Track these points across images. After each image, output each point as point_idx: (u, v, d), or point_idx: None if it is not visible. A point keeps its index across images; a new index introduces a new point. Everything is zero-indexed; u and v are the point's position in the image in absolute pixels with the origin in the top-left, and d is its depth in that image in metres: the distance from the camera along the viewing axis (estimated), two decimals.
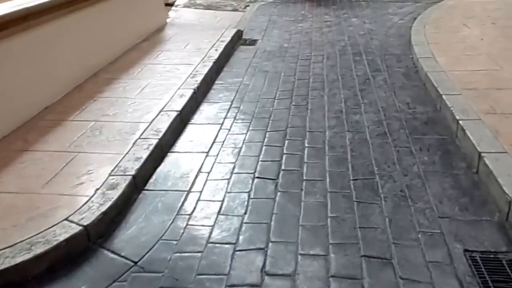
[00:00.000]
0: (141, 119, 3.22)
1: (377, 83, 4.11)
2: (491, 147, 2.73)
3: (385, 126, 3.31)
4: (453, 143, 3.06)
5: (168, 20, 6.48)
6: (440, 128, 3.27)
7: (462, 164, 2.82)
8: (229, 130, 3.34)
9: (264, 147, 3.07)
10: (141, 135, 2.96)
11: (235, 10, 7.52)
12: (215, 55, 4.77)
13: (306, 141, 3.14)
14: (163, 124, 3.13)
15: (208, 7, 7.68)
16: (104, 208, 2.18)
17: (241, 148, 3.07)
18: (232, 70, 4.67)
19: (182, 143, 3.15)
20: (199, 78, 4.07)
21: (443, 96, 3.49)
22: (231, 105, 3.80)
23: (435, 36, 4.99)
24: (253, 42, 5.70)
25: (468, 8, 6.29)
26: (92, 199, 2.26)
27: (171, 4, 7.70)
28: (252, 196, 2.53)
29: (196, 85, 3.89)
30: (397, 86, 4.03)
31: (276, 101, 3.86)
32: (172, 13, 7.08)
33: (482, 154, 2.66)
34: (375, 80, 4.17)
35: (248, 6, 7.77)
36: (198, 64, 4.48)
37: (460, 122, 3.07)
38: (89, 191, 2.35)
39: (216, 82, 4.35)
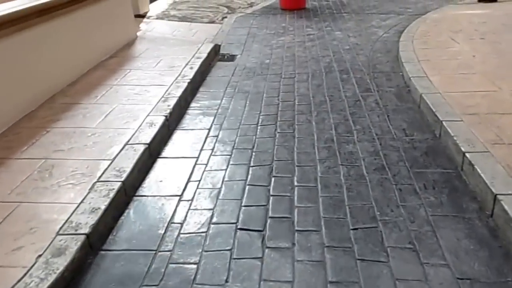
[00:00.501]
0: (101, 155, 2.74)
1: (369, 105, 3.75)
2: (507, 187, 2.39)
3: (382, 158, 2.94)
4: (460, 178, 2.71)
5: (139, 34, 6.01)
6: (442, 159, 2.92)
7: (473, 205, 2.47)
8: (206, 165, 2.91)
9: (247, 187, 2.65)
10: (100, 177, 2.49)
11: (212, 22, 7.10)
12: (190, 73, 4.34)
13: (296, 178, 2.73)
14: (128, 161, 2.66)
15: (182, 19, 7.24)
16: (45, 286, 1.70)
17: (220, 189, 2.64)
18: (209, 91, 4.24)
19: (150, 184, 2.69)
20: (172, 102, 3.62)
21: (444, 123, 3.15)
22: (208, 133, 3.36)
23: (425, 52, 4.70)
24: (231, 58, 5.30)
25: (454, 21, 6.06)
26: (31, 271, 1.78)
27: (143, 16, 7.23)
28: (234, 255, 2.10)
29: (168, 111, 3.45)
30: (390, 109, 3.68)
31: (259, 127, 3.45)
32: (143, 26, 6.61)
33: (499, 197, 2.31)
34: (366, 102, 3.81)
35: (225, 17, 7.37)
36: (171, 85, 4.03)
37: (467, 155, 2.72)
38: (28, 258, 1.86)
39: (192, 105, 3.91)
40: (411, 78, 4.01)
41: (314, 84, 4.28)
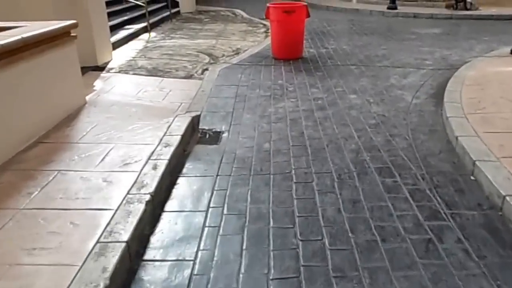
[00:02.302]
0: None
1: (452, 254, 2.23)
2: None
3: None
4: None
5: (90, 98, 4.43)
6: None
7: None
8: None
9: None
10: None
11: (189, 76, 5.60)
12: (153, 181, 2.76)
13: None
14: None
15: (152, 72, 5.72)
16: None
17: None
18: (181, 215, 2.65)
19: None
20: (114, 257, 2.02)
21: None
22: None
23: (498, 140, 3.27)
24: (215, 138, 3.76)
25: (503, 83, 4.74)
26: None
27: (102, 68, 5.68)
28: None
29: (105, 284, 1.84)
30: (491, 262, 2.17)
31: None
32: (99, 83, 5.05)
33: None
34: (445, 246, 2.29)
35: (206, 70, 5.89)
36: (118, 209, 2.44)
37: None
38: None
39: (149, 251, 2.31)
40: (506, 198, 2.53)
41: (346, 199, 2.75)
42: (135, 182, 2.75)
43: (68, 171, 2.89)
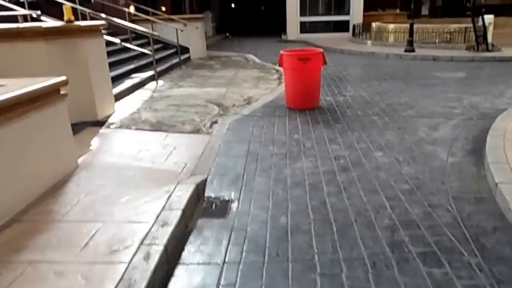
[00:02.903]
0: None
1: None
2: None
3: None
4: None
5: (83, 159, 3.98)
6: None
7: None
8: None
9: None
10: None
11: (197, 131, 5.16)
12: (143, 278, 2.21)
13: None
14: None
15: (157, 126, 5.30)
16: None
17: None
18: None
19: None
20: None
21: None
22: None
23: None
24: (223, 209, 3.23)
25: None
26: None
27: (102, 123, 5.29)
28: None
29: None
30: None
31: None
32: (96, 141, 4.62)
33: None
34: None
35: (215, 123, 5.46)
36: None
37: None
38: None
39: None
40: None
41: None
42: (121, 279, 2.20)
43: (41, 262, 2.36)
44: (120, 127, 5.22)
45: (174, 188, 3.30)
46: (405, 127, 5.04)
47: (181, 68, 10.47)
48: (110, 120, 5.50)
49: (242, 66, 10.79)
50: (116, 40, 6.71)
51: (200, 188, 3.46)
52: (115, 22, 8.52)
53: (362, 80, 8.31)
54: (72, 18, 5.24)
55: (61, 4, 6.43)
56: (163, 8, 14.52)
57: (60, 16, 5.64)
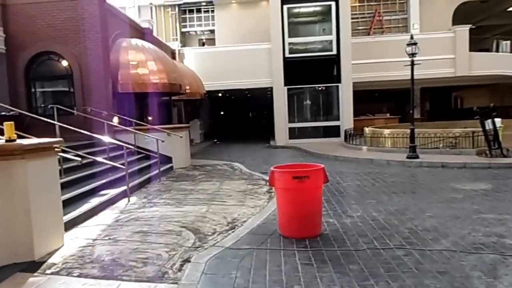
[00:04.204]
0: None
1: None
2: None
3: None
4: None
5: None
6: None
7: None
8: None
9: None
10: None
11: (161, 276, 3.84)
12: None
13: None
14: None
15: (108, 269, 3.98)
16: None
17: None
18: None
19: None
20: None
21: None
22: None
23: None
24: None
25: None
26: None
27: (38, 266, 3.97)
28: None
29: None
30: None
31: None
32: None
33: None
34: None
35: (188, 261, 4.17)
36: None
37: None
38: None
39: None
40: None
41: None
42: None
43: None
44: (60, 271, 3.89)
45: None
46: (449, 270, 3.71)
47: (161, 180, 9.40)
48: (50, 260, 4.20)
49: (227, 177, 9.78)
50: (76, 158, 5.65)
51: None
52: (87, 134, 7.70)
53: (367, 194, 7.22)
54: (13, 136, 4.26)
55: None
56: (150, 118, 14.03)
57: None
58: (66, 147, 6.99)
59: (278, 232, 4.95)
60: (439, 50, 17.98)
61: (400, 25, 21.86)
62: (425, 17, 21.00)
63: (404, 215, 5.65)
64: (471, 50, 18.38)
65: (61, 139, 4.70)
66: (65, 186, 6.45)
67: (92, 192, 6.82)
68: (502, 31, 22.47)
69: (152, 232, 5.24)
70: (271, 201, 6.77)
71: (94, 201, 6.48)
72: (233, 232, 5.20)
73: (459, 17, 20.69)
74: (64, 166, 6.72)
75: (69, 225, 5.26)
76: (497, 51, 19.50)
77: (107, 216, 6.10)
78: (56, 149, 4.64)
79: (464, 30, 18.40)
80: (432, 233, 4.81)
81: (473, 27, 18.65)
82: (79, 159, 5.50)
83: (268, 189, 7.87)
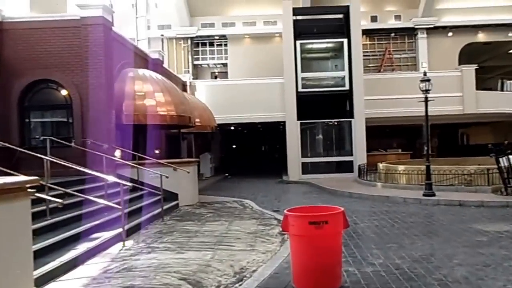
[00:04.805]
0: None
1: None
2: None
3: None
4: None
5: None
6: None
7: None
8: None
9: None
10: None
11: None
12: None
13: None
14: None
15: None
16: None
17: None
18: None
19: None
20: None
21: None
22: None
23: None
24: None
25: None
26: None
27: None
28: None
29: None
30: None
31: None
32: None
33: None
34: None
35: None
36: None
37: None
38: None
39: None
40: None
41: None
42: None
43: None
44: None
45: None
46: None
47: (163, 219, 8.58)
48: None
49: (237, 216, 8.92)
50: (57, 200, 4.81)
51: None
52: (82, 170, 7.00)
53: (387, 236, 6.37)
54: None
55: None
56: (157, 151, 13.33)
57: None
58: (54, 183, 6.29)
59: (291, 285, 4.10)
60: (448, 88, 17.80)
61: (409, 63, 22.18)
62: (433, 56, 21.40)
63: (430, 262, 4.91)
64: (476, 89, 18.58)
65: (35, 177, 3.90)
66: (48, 230, 5.70)
67: (81, 236, 6.00)
68: (505, 71, 22.92)
69: (145, 285, 4.39)
70: (284, 245, 5.96)
71: (81, 247, 5.63)
72: (240, 285, 4.33)
73: (464, 58, 21.22)
74: (51, 206, 5.95)
75: (45, 279, 4.43)
76: (501, 90, 19.75)
77: (94, 266, 5.26)
78: (30, 190, 3.86)
79: (470, 70, 18.61)
80: (464, 287, 4.02)
81: (477, 67, 18.98)
82: (60, 200, 4.69)
83: (281, 231, 6.98)
